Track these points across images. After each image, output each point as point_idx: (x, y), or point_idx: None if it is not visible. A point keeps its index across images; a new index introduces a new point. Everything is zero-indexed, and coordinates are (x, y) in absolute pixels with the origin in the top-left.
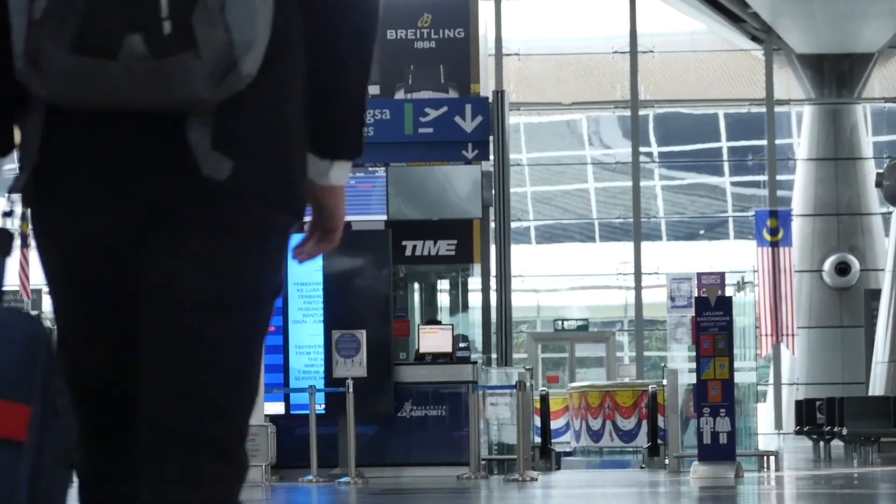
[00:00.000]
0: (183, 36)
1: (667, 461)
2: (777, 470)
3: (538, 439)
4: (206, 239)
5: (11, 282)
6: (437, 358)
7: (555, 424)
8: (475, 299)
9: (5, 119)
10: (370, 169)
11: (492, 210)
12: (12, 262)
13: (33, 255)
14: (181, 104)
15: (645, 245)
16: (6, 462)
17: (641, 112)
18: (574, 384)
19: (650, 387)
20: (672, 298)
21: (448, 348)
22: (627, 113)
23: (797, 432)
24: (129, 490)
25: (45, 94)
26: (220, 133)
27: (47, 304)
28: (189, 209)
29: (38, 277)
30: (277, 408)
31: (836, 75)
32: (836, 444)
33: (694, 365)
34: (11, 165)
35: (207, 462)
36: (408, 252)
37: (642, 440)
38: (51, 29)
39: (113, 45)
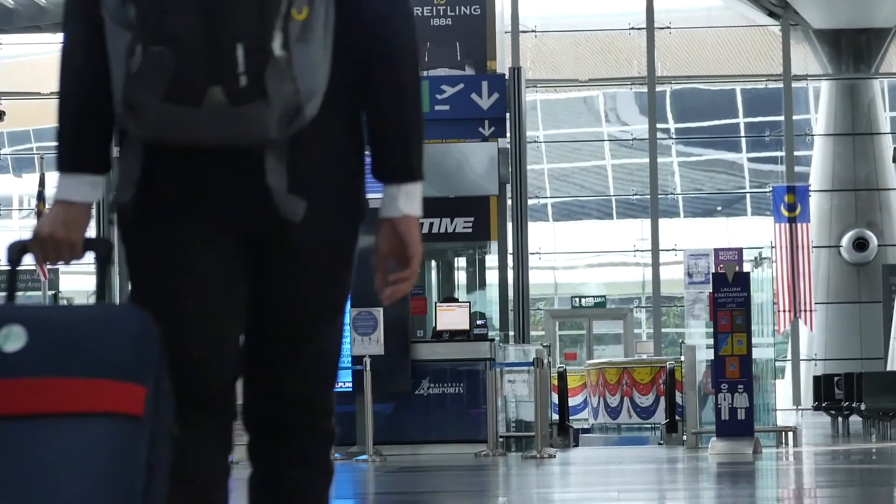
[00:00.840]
0: (256, 88)
1: (685, 437)
2: (795, 446)
3: (556, 416)
4: (306, 261)
5: (27, 262)
6: (454, 335)
7: (572, 401)
8: (492, 277)
9: (105, 145)
10: None
11: (508, 187)
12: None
13: None
14: (255, 142)
15: (662, 222)
16: (130, 432)
17: (658, 88)
18: (592, 361)
19: (668, 363)
20: (689, 275)
21: (465, 326)
22: (644, 89)
23: (815, 408)
24: (221, 460)
25: (139, 134)
26: (294, 177)
27: (64, 284)
28: (281, 238)
29: None
30: None
31: (854, 50)
32: (855, 419)
33: (711, 341)
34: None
35: (316, 442)
36: (424, 229)
37: (660, 417)
38: (145, 81)
39: (197, 96)
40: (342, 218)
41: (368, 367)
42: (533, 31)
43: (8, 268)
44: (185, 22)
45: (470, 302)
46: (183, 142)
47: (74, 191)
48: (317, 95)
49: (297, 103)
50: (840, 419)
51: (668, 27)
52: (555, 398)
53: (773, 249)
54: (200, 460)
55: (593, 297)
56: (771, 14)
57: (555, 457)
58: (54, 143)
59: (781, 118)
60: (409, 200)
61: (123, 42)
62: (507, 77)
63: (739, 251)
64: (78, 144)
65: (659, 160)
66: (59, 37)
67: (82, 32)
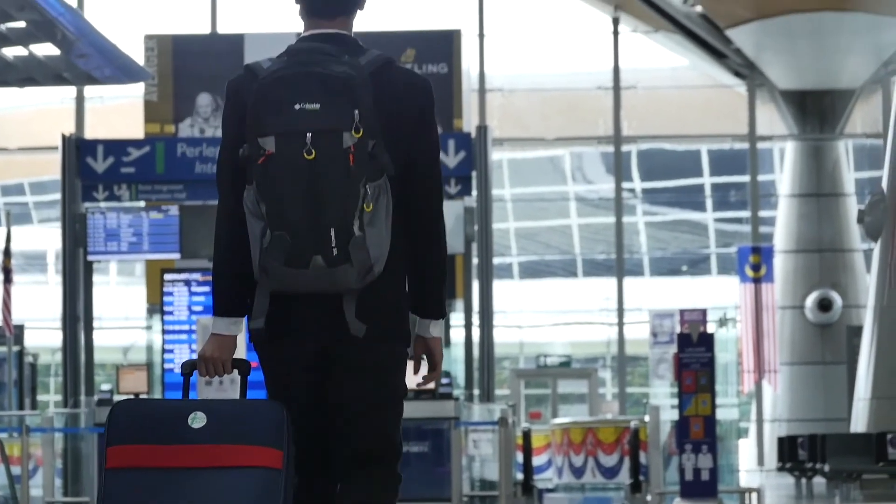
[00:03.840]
0: (344, 256)
1: (649, 498)
2: None
3: (520, 476)
4: (363, 365)
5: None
6: (419, 394)
7: (537, 461)
8: (457, 335)
9: (244, 297)
10: None
11: (474, 245)
12: None
13: (15, 291)
14: (342, 291)
15: (627, 281)
16: (274, 479)
17: (624, 148)
18: (556, 420)
19: (632, 423)
20: (654, 335)
21: (430, 384)
22: (611, 148)
23: (779, 469)
24: (328, 491)
25: (269, 287)
26: (360, 308)
27: (28, 339)
28: (353, 351)
29: (19, 313)
30: None
31: (819, 111)
32: (819, 480)
33: (676, 401)
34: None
35: (388, 476)
36: None
37: (624, 477)
38: (273, 254)
39: (305, 262)
40: (390, 337)
41: None
42: (500, 89)
43: (182, 378)
44: (296, 215)
45: None
46: (295, 291)
47: (225, 328)
48: (381, 260)
49: (369, 265)
50: (804, 480)
51: (635, 87)
52: (519, 457)
53: (738, 309)
54: (310, 496)
55: (558, 356)
56: (737, 74)
57: None
58: (212, 294)
59: (747, 178)
60: (435, 328)
61: (258, 228)
62: (473, 135)
63: (704, 311)
64: (228, 298)
65: (625, 219)
66: (25, 91)
67: (231, 224)
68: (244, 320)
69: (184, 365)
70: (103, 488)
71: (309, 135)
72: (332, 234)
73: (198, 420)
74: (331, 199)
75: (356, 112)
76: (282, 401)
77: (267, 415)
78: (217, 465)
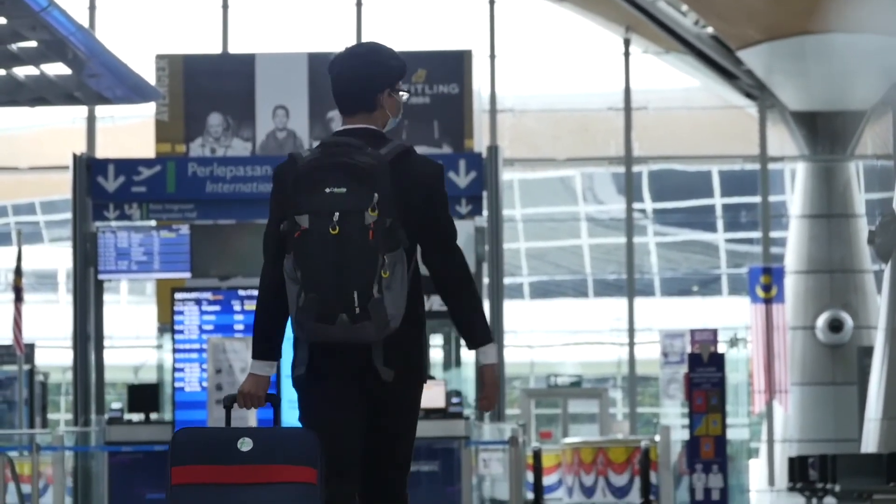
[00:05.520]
0: (365, 314)
1: None
2: None
3: (531, 495)
4: (397, 404)
5: (5, 335)
6: (429, 413)
7: (547, 480)
8: (468, 354)
9: (279, 345)
10: None
11: (485, 265)
12: (6, 319)
13: (26, 310)
14: (365, 342)
15: (638, 301)
16: (310, 493)
17: (635, 168)
18: (567, 440)
19: (643, 443)
20: (665, 355)
21: (441, 403)
22: (621, 169)
23: (790, 489)
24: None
25: (304, 339)
26: (387, 358)
27: (39, 357)
28: (381, 390)
29: (30, 332)
30: None
31: (830, 132)
32: (829, 500)
33: (687, 421)
34: None
35: (399, 496)
36: None
37: (635, 496)
38: (306, 312)
39: (333, 319)
40: (412, 379)
41: None
42: (511, 110)
43: (224, 409)
44: (325, 280)
45: (446, 380)
46: (327, 341)
47: (261, 369)
48: (397, 317)
49: (387, 321)
50: (814, 501)
51: (646, 108)
52: (530, 477)
53: (749, 330)
54: None
55: (569, 376)
56: (748, 95)
57: None
58: (253, 341)
59: (758, 199)
60: (485, 355)
61: (295, 290)
62: (484, 156)
63: (714, 331)
64: (265, 344)
65: (635, 240)
66: (37, 111)
67: (270, 288)
68: (276, 363)
69: (225, 398)
70: (170, 502)
71: (336, 214)
72: (355, 296)
73: (245, 444)
74: (354, 267)
75: (375, 195)
76: (322, 430)
77: (302, 439)
78: (263, 481)
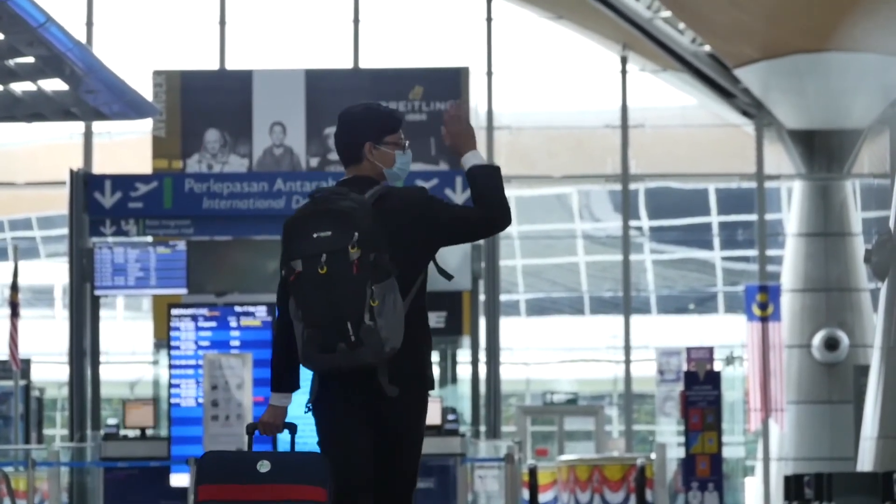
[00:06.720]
0: (360, 341)
1: None
2: None
3: None
4: (403, 416)
5: (1, 351)
6: (425, 430)
7: (543, 498)
8: (464, 371)
9: (295, 377)
10: None
11: (482, 282)
12: (3, 334)
13: (22, 325)
14: (364, 366)
15: (634, 319)
16: None
17: (632, 186)
18: (563, 457)
19: (639, 461)
20: (661, 372)
21: (437, 420)
22: (618, 187)
23: None
24: None
25: (312, 369)
26: (391, 377)
27: (35, 373)
28: (387, 407)
29: (26, 347)
30: None
31: (826, 151)
32: None
33: (683, 439)
34: None
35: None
36: None
37: None
38: (310, 345)
39: (333, 348)
40: (416, 394)
41: None
42: (508, 127)
43: (247, 435)
44: (321, 315)
45: (441, 397)
46: (331, 369)
47: (278, 401)
48: (391, 340)
49: (381, 346)
50: None
51: (643, 125)
52: (525, 494)
53: (745, 348)
54: None
55: (565, 393)
56: (745, 114)
57: None
58: (271, 376)
59: (755, 217)
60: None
61: (300, 327)
62: None
63: (711, 349)
64: (281, 378)
65: (632, 257)
66: (33, 127)
67: (282, 332)
68: (290, 395)
69: (248, 426)
70: None
71: (324, 256)
72: (349, 326)
73: (264, 466)
74: (344, 300)
75: (356, 234)
76: (335, 451)
77: (314, 462)
78: (279, 499)
